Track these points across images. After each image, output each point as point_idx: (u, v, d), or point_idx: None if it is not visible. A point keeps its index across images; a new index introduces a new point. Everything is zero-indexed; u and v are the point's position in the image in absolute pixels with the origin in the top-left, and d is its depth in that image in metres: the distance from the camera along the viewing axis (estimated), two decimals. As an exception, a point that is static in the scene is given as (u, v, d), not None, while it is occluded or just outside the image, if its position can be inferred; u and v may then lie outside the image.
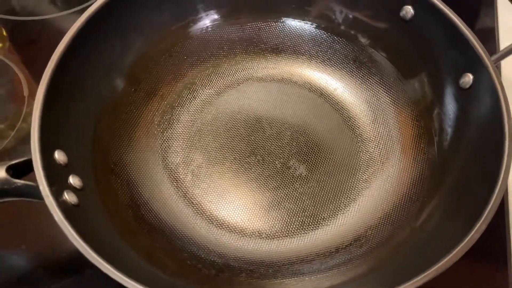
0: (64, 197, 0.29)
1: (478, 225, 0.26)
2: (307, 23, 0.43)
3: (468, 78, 0.34)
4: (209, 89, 0.43)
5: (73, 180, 0.31)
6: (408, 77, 0.39)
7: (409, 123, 0.38)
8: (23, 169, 0.29)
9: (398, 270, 0.29)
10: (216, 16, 0.42)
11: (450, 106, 0.35)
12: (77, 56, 0.34)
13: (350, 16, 0.41)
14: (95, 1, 0.35)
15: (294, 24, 0.43)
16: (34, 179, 0.29)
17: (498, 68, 0.44)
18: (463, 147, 0.34)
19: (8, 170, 0.28)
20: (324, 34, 0.43)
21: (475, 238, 0.26)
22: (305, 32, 0.43)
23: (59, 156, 0.31)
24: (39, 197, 0.28)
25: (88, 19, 0.35)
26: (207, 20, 0.42)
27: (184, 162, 0.39)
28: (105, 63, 0.37)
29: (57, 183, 0.29)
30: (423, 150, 0.36)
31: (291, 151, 0.40)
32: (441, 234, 0.30)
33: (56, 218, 0.27)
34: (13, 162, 0.29)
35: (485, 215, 0.27)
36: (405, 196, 0.35)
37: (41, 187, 0.28)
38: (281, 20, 0.43)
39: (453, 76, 0.35)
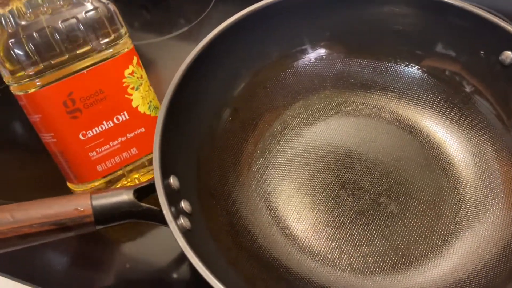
0: (181, 221, 0.31)
1: None
2: (413, 66, 0.44)
3: None
4: (299, 120, 0.45)
5: (184, 205, 0.33)
6: (507, 122, 0.39)
7: (508, 170, 0.38)
8: (147, 193, 0.31)
9: None
10: (322, 51, 0.44)
11: None
12: (189, 87, 0.36)
13: (458, 66, 0.41)
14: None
15: (392, 65, 0.44)
16: (154, 203, 0.31)
17: None
18: None
19: (134, 193, 0.31)
20: (418, 74, 0.44)
21: None
22: (399, 72, 0.44)
23: (174, 181, 0.33)
24: (161, 221, 0.30)
25: (202, 50, 0.37)
26: (313, 53, 0.44)
27: (275, 191, 0.41)
28: (213, 94, 0.39)
29: (174, 207, 0.31)
30: None
31: (381, 187, 0.40)
32: None
33: (180, 244, 0.28)
34: (139, 186, 0.31)
35: None
36: (504, 245, 0.35)
37: (164, 212, 0.30)
38: (380, 60, 0.44)
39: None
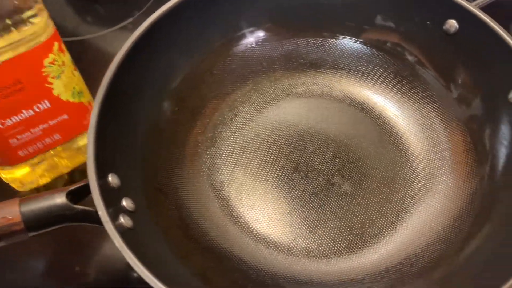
0: (120, 221, 0.30)
1: None
2: (351, 39, 0.43)
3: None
4: (249, 106, 0.43)
5: (126, 203, 0.32)
6: (454, 91, 0.39)
7: (457, 139, 0.38)
8: (81, 194, 0.30)
9: None
10: (261, 34, 0.43)
11: (502, 121, 0.35)
12: (125, 79, 0.35)
13: (397, 35, 0.40)
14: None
15: (335, 41, 0.43)
16: (90, 203, 0.30)
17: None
18: None
19: (67, 195, 0.29)
20: (366, 49, 0.43)
21: None
22: (345, 48, 0.43)
23: (113, 179, 0.32)
24: (98, 222, 0.29)
25: (135, 42, 0.35)
26: (251, 37, 0.43)
27: (228, 179, 0.40)
28: (152, 84, 0.37)
29: (113, 207, 0.30)
30: (472, 168, 0.36)
31: (334, 167, 0.40)
32: (493, 264, 0.29)
33: (116, 243, 0.27)
34: (72, 187, 0.30)
35: None
36: (455, 215, 0.35)
37: (100, 213, 0.28)
38: (323, 36, 0.43)
39: (504, 89, 0.34)
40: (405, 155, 0.40)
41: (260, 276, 0.34)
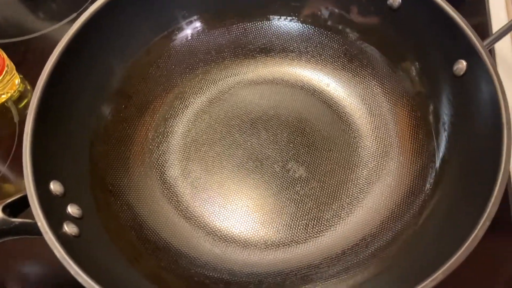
0: (64, 229, 0.29)
1: (481, 222, 0.26)
2: (293, 19, 0.42)
3: (461, 65, 0.33)
4: (200, 96, 0.42)
5: (72, 209, 0.31)
6: (400, 67, 0.38)
7: (405, 115, 0.38)
8: (20, 206, 0.29)
9: (405, 273, 0.29)
10: (198, 24, 0.41)
11: (446, 95, 0.34)
12: (61, 84, 0.33)
13: (336, 10, 0.40)
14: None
15: (280, 22, 0.42)
16: (31, 215, 0.29)
17: (491, 52, 0.43)
18: (462, 136, 0.33)
19: (4, 209, 0.28)
20: (312, 29, 0.42)
21: (479, 236, 0.26)
22: (293, 29, 0.42)
23: (55, 187, 0.31)
24: (39, 233, 0.28)
25: (67, 46, 0.34)
26: (189, 28, 0.41)
27: (182, 175, 0.39)
28: (90, 87, 0.36)
29: (56, 216, 0.29)
30: (422, 142, 0.36)
31: (289, 153, 0.39)
32: (445, 232, 0.29)
33: (57, 254, 0.26)
34: (9, 200, 0.29)
35: (488, 210, 0.26)
36: (408, 191, 0.35)
37: (39, 224, 0.27)
38: (267, 19, 0.42)
39: (446, 64, 0.34)
40: (358, 135, 0.40)
41: (217, 272, 0.34)
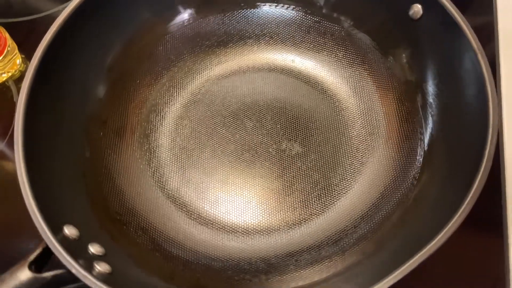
0: (97, 270, 0.28)
1: (468, 198, 0.27)
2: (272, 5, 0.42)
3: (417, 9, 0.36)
4: (174, 104, 0.42)
5: (94, 248, 0.30)
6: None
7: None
8: (44, 259, 0.27)
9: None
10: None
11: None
12: (40, 126, 0.31)
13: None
14: None
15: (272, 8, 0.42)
16: (57, 266, 0.27)
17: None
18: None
19: (29, 267, 0.26)
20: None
21: (467, 211, 0.27)
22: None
23: (70, 230, 0.29)
24: (75, 280, 0.26)
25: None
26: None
27: (182, 184, 0.38)
28: (69, 118, 0.34)
29: (83, 258, 0.28)
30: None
31: (278, 134, 0.40)
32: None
33: (106, 295, 0.25)
34: (32, 257, 0.27)
35: (474, 187, 0.27)
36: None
37: (74, 271, 0.26)
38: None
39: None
40: (337, 99, 0.41)
41: (253, 264, 0.34)
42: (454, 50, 0.33)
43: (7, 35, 0.44)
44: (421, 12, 0.36)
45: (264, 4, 0.42)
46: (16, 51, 0.45)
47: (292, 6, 0.42)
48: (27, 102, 0.30)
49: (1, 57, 0.43)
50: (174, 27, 0.42)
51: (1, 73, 0.44)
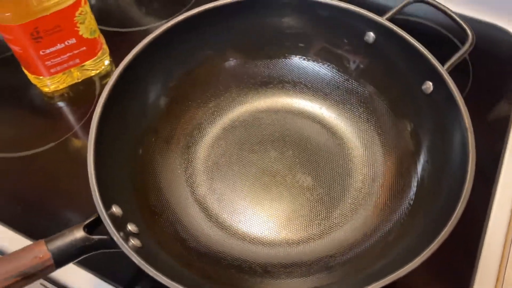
0: (131, 243, 0.35)
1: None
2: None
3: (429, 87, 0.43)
4: (215, 126, 0.50)
5: (131, 227, 0.38)
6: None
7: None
8: (94, 225, 0.35)
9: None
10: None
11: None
12: (110, 121, 0.40)
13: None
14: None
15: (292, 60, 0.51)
16: (101, 233, 0.35)
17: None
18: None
19: (84, 229, 0.34)
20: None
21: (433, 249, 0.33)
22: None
23: (116, 209, 0.37)
24: (114, 247, 0.34)
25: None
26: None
27: (209, 192, 0.46)
28: (133, 121, 0.43)
29: (123, 232, 0.36)
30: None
31: (296, 166, 0.47)
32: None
33: (135, 261, 0.33)
34: (87, 222, 0.35)
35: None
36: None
37: (115, 238, 0.34)
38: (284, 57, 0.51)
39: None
40: (350, 147, 0.48)
41: (252, 267, 0.40)
42: (451, 124, 0.40)
43: (103, 40, 0.55)
44: (431, 88, 0.43)
45: (305, 58, 0.50)
46: (107, 54, 0.56)
47: (327, 64, 0.50)
48: (108, 96, 0.40)
49: (95, 58, 0.54)
50: (228, 64, 0.50)
51: (91, 70, 0.55)
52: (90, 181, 0.36)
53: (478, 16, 0.60)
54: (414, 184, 0.43)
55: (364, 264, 0.39)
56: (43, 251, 0.32)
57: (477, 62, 0.56)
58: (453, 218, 0.34)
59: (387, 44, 0.46)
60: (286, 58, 0.51)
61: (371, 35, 0.47)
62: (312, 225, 0.44)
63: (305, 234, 0.43)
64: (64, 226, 0.35)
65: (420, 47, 0.43)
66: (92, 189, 0.36)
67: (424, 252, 0.33)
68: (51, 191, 0.48)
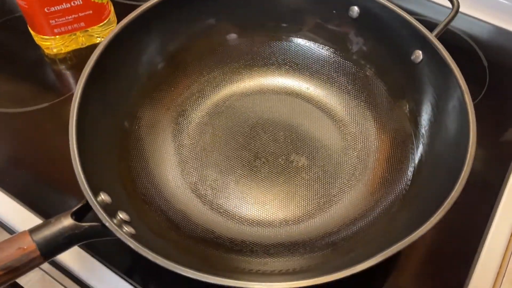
0: (124, 229, 0.33)
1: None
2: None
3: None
4: (200, 112, 0.48)
5: (122, 215, 0.35)
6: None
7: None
8: (83, 212, 0.32)
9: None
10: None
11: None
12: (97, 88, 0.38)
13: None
14: None
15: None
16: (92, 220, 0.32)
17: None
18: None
19: (71, 216, 0.31)
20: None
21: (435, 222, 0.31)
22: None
23: (104, 197, 0.34)
24: (107, 234, 0.31)
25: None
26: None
27: (200, 180, 0.43)
28: (114, 104, 0.41)
29: (115, 218, 0.33)
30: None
31: (288, 147, 0.45)
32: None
33: (132, 246, 0.30)
34: (74, 208, 0.32)
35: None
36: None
37: (107, 224, 0.31)
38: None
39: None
40: (342, 124, 0.47)
41: (254, 249, 0.38)
42: (446, 89, 0.40)
43: (111, 8, 0.55)
44: (421, 57, 0.42)
45: (292, 36, 0.49)
46: (115, 23, 0.55)
47: (327, 47, 0.49)
48: (98, 58, 0.39)
49: (102, 24, 0.54)
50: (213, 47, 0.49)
51: (97, 36, 0.55)
52: (74, 167, 0.33)
53: (499, 23, 0.60)
54: (413, 155, 0.42)
55: (369, 238, 0.38)
56: (27, 241, 0.29)
57: (494, 69, 0.55)
58: (459, 181, 0.33)
59: (374, 17, 0.45)
60: (273, 40, 0.50)
61: (355, 9, 0.46)
62: (311, 204, 0.42)
63: (304, 213, 0.41)
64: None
65: (407, 16, 0.42)
66: (76, 172, 0.33)
67: (433, 217, 0.32)
68: (37, 150, 0.47)
